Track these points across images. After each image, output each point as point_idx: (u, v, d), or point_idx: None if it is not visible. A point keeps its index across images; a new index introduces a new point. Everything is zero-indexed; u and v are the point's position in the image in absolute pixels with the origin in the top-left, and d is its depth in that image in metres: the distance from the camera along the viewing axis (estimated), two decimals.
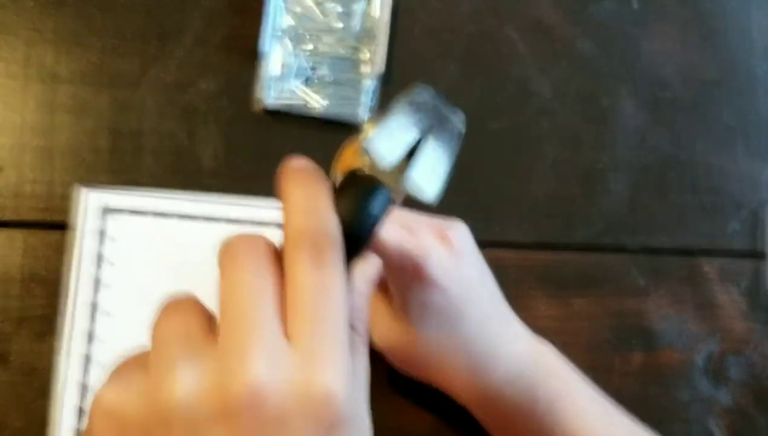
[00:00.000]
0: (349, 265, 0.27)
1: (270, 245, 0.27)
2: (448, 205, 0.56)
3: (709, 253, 0.60)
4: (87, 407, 0.47)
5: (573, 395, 0.46)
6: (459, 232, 0.46)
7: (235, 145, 0.53)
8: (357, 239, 0.28)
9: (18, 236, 0.49)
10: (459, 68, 0.59)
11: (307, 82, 0.55)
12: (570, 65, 0.61)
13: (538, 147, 0.59)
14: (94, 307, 0.48)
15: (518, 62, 0.60)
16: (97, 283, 0.49)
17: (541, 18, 0.61)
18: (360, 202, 0.28)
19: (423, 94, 0.31)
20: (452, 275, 0.43)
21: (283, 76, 0.54)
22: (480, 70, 0.59)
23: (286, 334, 0.25)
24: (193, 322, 0.26)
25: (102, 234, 0.50)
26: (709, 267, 0.60)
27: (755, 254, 0.61)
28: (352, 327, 0.27)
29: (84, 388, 0.47)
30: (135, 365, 0.26)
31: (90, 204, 0.50)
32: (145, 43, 0.54)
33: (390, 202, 0.29)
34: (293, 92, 0.55)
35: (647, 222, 0.59)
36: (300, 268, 0.25)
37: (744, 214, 0.61)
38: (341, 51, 0.56)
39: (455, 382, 0.46)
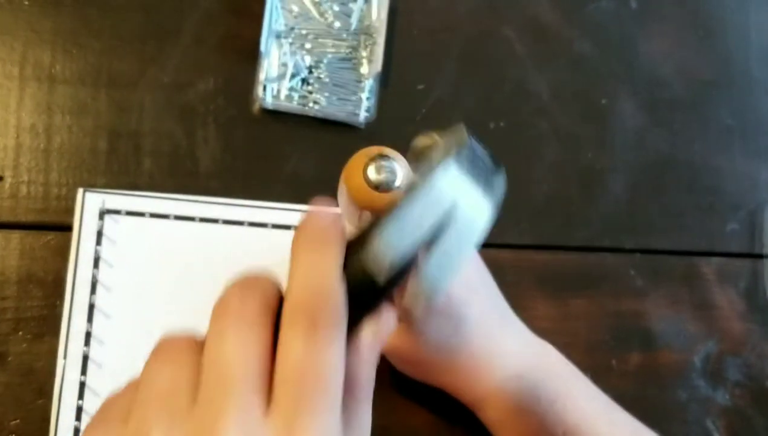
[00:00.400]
0: (356, 324, 0.26)
1: (266, 300, 0.26)
2: None
3: (707, 253, 0.60)
4: (86, 406, 0.47)
5: (574, 393, 0.46)
6: None
7: (233, 145, 0.53)
8: (367, 299, 0.27)
9: (15, 237, 0.49)
10: (457, 68, 0.59)
11: (305, 82, 0.55)
12: (568, 65, 0.61)
13: (536, 147, 0.59)
14: (92, 308, 0.48)
15: (516, 62, 0.60)
16: (95, 284, 0.49)
17: (539, 18, 0.61)
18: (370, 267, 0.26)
19: (470, 149, 0.28)
20: None
21: (281, 77, 0.54)
22: (478, 71, 0.59)
23: (269, 405, 0.24)
24: (181, 375, 0.25)
25: (100, 235, 0.50)
26: (708, 268, 0.60)
27: (753, 255, 0.61)
28: (351, 394, 0.26)
29: (83, 388, 0.47)
30: (118, 414, 0.25)
31: (88, 205, 0.50)
32: (143, 43, 0.54)
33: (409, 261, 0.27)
34: (291, 93, 0.54)
35: (645, 223, 0.59)
36: (292, 340, 0.25)
37: (742, 215, 0.61)
38: (339, 51, 0.56)
39: (457, 382, 0.46)
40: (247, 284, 0.26)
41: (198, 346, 0.26)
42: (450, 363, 0.45)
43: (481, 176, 0.29)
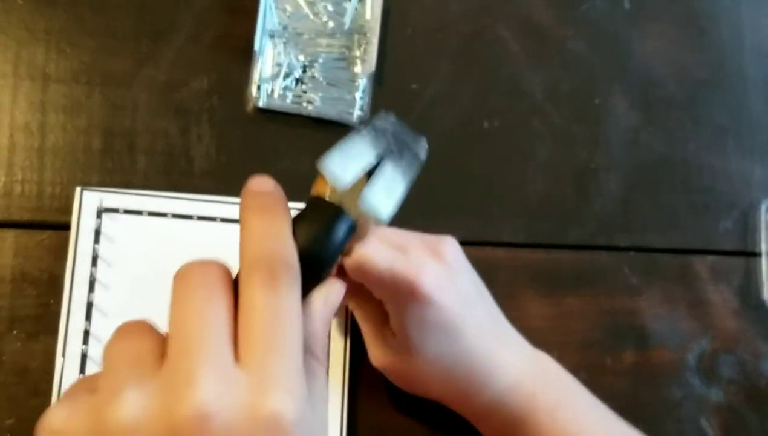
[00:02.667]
0: (309, 290, 0.28)
1: (224, 271, 0.27)
2: (442, 204, 0.56)
3: (701, 252, 0.60)
4: None
5: (572, 403, 0.46)
6: (450, 246, 0.46)
7: (227, 144, 0.53)
8: (317, 264, 0.28)
9: (9, 236, 0.49)
10: (451, 68, 0.59)
11: (299, 81, 0.55)
12: (562, 65, 0.61)
13: (530, 147, 0.59)
14: (90, 306, 0.48)
15: (510, 62, 0.60)
16: (93, 282, 0.49)
17: (533, 17, 0.61)
18: (319, 228, 0.28)
19: (384, 120, 0.32)
20: (447, 290, 0.43)
21: (275, 76, 0.54)
22: (472, 70, 0.59)
23: (238, 358, 0.25)
24: (144, 345, 0.26)
25: (98, 234, 0.50)
26: (702, 266, 0.60)
27: (747, 253, 0.61)
28: (309, 352, 0.27)
29: None
30: (85, 387, 0.26)
31: (86, 204, 0.50)
32: (138, 42, 0.54)
33: (352, 228, 0.29)
34: (285, 92, 0.55)
35: (640, 221, 0.60)
36: (253, 292, 0.26)
37: (736, 214, 0.62)
38: (333, 50, 0.56)
39: (457, 396, 0.46)
40: (205, 259, 0.28)
41: (155, 326, 0.27)
42: (448, 378, 0.45)
43: (408, 132, 0.33)
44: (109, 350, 0.26)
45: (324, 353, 0.29)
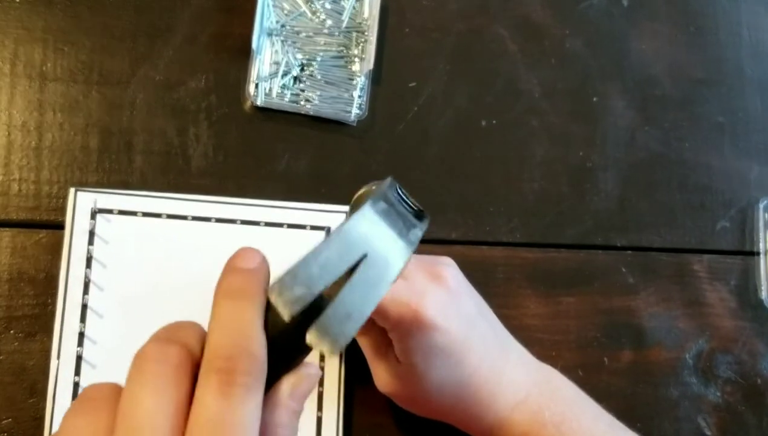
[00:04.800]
0: (276, 378, 0.26)
1: (185, 355, 0.26)
2: (439, 204, 0.56)
3: (698, 251, 0.60)
4: None
5: (578, 415, 0.46)
6: (450, 269, 0.46)
7: (225, 143, 0.53)
8: (287, 353, 0.26)
9: (6, 235, 0.49)
10: (448, 66, 0.59)
11: (297, 80, 0.55)
12: (559, 64, 0.61)
13: (527, 145, 0.59)
14: (85, 308, 0.48)
15: (508, 60, 0.60)
16: (87, 284, 0.49)
17: (530, 16, 0.61)
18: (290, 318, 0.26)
19: (388, 199, 0.29)
20: (451, 313, 0.43)
21: (273, 75, 0.54)
22: (469, 69, 0.59)
23: None
24: (99, 424, 0.25)
25: (92, 235, 0.49)
26: (699, 265, 0.60)
27: (744, 252, 0.61)
28: None
29: (77, 388, 0.47)
30: None
31: (80, 205, 0.50)
32: (135, 41, 0.54)
33: (321, 306, 0.26)
34: (283, 90, 0.55)
35: (636, 220, 0.60)
36: (205, 396, 0.25)
37: (733, 213, 0.62)
38: (331, 49, 0.56)
39: (465, 417, 0.46)
40: (168, 338, 0.26)
41: (115, 397, 0.26)
42: (455, 400, 0.45)
43: (398, 224, 0.29)
44: (65, 422, 0.26)
45: None
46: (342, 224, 0.27)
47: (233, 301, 0.26)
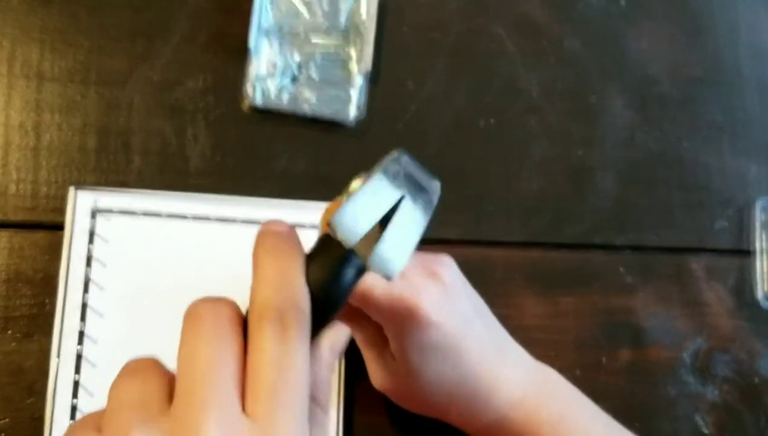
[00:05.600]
0: (316, 334, 0.27)
1: (235, 311, 0.27)
2: (437, 203, 0.56)
3: (696, 250, 0.60)
4: (80, 405, 0.47)
5: (575, 414, 0.47)
6: (447, 266, 0.46)
7: (223, 143, 0.53)
8: (326, 308, 0.28)
9: (4, 235, 0.49)
10: (447, 66, 0.59)
11: (295, 80, 0.55)
12: (558, 63, 0.61)
13: (526, 145, 0.59)
14: (85, 307, 0.48)
15: (506, 60, 0.60)
16: (88, 283, 0.49)
17: (529, 16, 0.61)
18: (329, 272, 0.28)
19: (397, 161, 0.31)
20: (447, 310, 0.43)
21: (271, 75, 0.54)
22: (468, 68, 0.59)
23: (244, 406, 0.25)
24: (150, 386, 0.25)
25: (92, 234, 0.49)
26: (697, 265, 0.60)
27: (742, 252, 0.61)
28: (313, 399, 0.27)
29: (77, 387, 0.47)
30: (91, 426, 0.26)
31: (80, 204, 0.50)
32: (132, 41, 0.53)
33: (361, 270, 0.28)
34: (281, 91, 0.54)
35: (635, 220, 0.60)
36: (263, 341, 0.25)
37: (731, 212, 0.62)
38: (329, 49, 0.56)
39: (459, 414, 0.46)
40: (216, 298, 0.27)
41: (163, 365, 0.27)
42: (451, 398, 0.45)
43: (423, 174, 0.32)
44: (115, 389, 0.26)
45: (327, 398, 0.28)
46: (376, 169, 0.29)
47: (277, 258, 0.27)
